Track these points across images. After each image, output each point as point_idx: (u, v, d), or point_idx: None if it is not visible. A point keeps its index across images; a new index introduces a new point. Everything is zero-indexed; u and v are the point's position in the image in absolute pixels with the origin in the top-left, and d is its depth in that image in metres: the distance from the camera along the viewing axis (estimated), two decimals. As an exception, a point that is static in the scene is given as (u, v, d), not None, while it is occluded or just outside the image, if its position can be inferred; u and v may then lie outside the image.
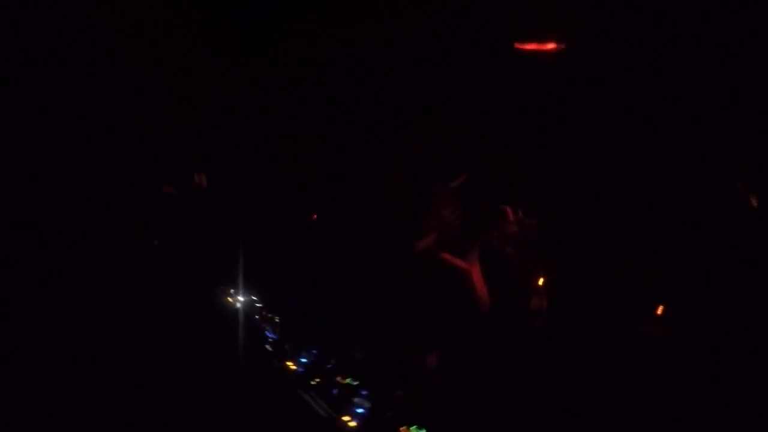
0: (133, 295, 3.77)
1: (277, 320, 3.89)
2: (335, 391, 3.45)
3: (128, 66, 4.09)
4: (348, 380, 3.46)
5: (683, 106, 3.11)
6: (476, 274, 3.31)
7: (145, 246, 4.07)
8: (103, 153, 4.05)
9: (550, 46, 3.47)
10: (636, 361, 2.90)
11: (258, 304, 3.98)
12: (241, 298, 3.97)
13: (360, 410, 3.29)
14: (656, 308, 3.05)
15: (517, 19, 3.43)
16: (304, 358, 3.66)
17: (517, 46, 3.47)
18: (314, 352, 3.66)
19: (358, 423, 3.29)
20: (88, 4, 4.00)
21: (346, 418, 3.31)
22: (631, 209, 3.17)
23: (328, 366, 3.56)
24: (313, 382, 3.54)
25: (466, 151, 3.61)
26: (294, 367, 3.67)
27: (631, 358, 2.93)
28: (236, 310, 3.95)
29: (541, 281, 3.22)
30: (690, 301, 2.96)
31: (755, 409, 2.58)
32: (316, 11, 3.93)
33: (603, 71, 3.30)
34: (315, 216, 4.00)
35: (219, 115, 4.24)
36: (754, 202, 2.92)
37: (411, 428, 3.14)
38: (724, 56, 3.07)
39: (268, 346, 3.87)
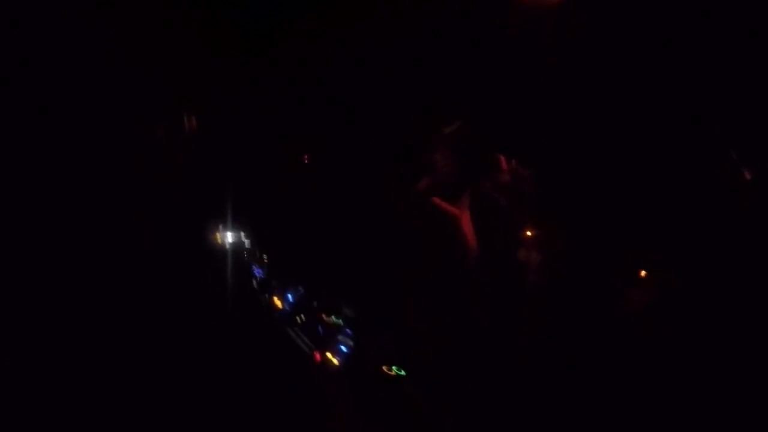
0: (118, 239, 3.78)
1: (265, 258, 3.91)
2: (320, 329, 3.50)
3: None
4: (333, 318, 3.49)
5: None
6: (466, 220, 3.32)
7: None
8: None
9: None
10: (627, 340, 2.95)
11: (246, 241, 3.98)
12: (229, 235, 3.97)
13: (343, 348, 3.34)
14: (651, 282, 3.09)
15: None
16: (290, 295, 3.69)
17: None
18: (301, 290, 3.68)
19: (340, 361, 3.34)
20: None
21: (329, 355, 3.36)
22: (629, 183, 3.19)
23: (314, 304, 3.60)
24: (298, 319, 3.58)
25: (459, 97, 3.59)
26: (280, 304, 3.70)
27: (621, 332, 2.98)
28: (224, 247, 3.95)
29: (530, 233, 3.24)
30: (689, 294, 2.99)
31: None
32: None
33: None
34: (306, 157, 3.99)
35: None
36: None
37: (393, 367, 3.20)
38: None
39: (254, 283, 3.89)
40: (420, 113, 3.64)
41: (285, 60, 4.16)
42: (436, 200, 3.32)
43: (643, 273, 3.12)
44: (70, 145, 3.99)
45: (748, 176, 2.99)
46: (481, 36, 3.53)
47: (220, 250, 4.04)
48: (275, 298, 3.69)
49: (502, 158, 3.39)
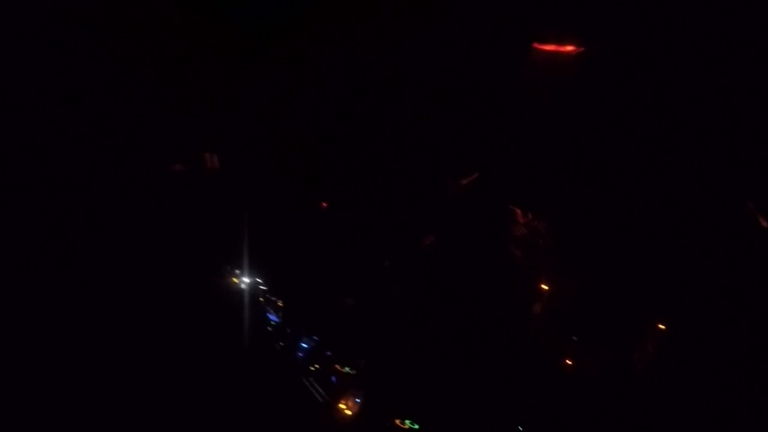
0: (140, 274, 3.82)
1: (280, 304, 3.93)
2: (333, 379, 3.50)
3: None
4: (346, 369, 3.49)
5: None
6: None
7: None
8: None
9: (568, 48, 3.46)
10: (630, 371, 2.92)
11: (262, 287, 4.01)
12: (246, 280, 4.00)
13: (357, 400, 3.34)
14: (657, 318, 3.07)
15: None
16: (305, 343, 3.70)
17: (536, 46, 3.46)
18: (315, 338, 3.69)
19: (353, 411, 3.33)
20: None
21: (342, 406, 3.36)
22: (638, 220, 3.18)
23: (328, 353, 3.60)
24: (312, 368, 3.58)
25: (479, 150, 3.61)
26: (294, 352, 3.71)
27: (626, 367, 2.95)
28: (241, 291, 3.98)
29: (544, 287, 3.23)
30: (691, 312, 2.97)
31: (753, 411, 2.61)
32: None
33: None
34: (324, 204, 4.02)
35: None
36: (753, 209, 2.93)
37: (405, 421, 3.18)
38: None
39: (269, 329, 3.91)
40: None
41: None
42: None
43: (657, 327, 3.10)
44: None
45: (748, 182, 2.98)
46: (501, 89, 3.55)
47: (237, 291, 4.07)
48: (289, 347, 3.71)
49: (518, 211, 3.41)
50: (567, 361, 3.09)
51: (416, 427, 3.17)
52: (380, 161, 3.77)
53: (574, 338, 3.10)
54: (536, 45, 3.44)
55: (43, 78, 4.00)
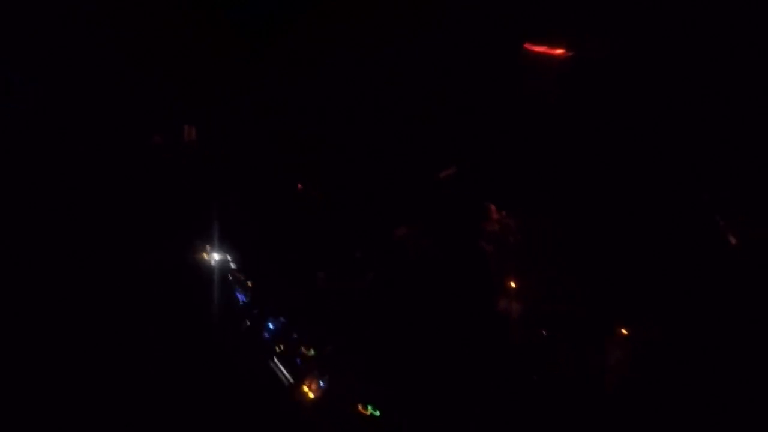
0: (113, 250, 3.78)
1: (249, 284, 3.91)
2: (298, 361, 3.51)
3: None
4: (311, 352, 3.51)
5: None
6: None
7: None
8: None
9: (558, 50, 3.49)
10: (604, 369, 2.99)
11: (232, 265, 3.99)
12: (216, 257, 3.97)
13: (320, 383, 3.36)
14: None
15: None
16: (271, 324, 3.70)
17: (527, 47, 3.49)
18: (282, 320, 3.70)
19: (316, 395, 3.36)
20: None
21: (305, 389, 3.38)
22: (620, 220, 3.24)
23: (294, 336, 3.61)
24: (277, 349, 3.59)
25: (457, 144, 3.64)
26: (260, 332, 3.71)
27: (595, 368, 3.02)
28: (211, 268, 3.96)
29: (513, 284, 3.28)
30: (665, 311, 3.05)
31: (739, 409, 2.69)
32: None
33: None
34: (300, 186, 4.01)
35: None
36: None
37: (368, 407, 3.22)
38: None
39: (237, 308, 3.89)
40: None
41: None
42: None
43: (623, 330, 3.17)
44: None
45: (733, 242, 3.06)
46: (482, 87, 3.58)
47: (206, 267, 4.05)
48: (256, 326, 3.70)
49: (492, 207, 3.44)
50: (535, 356, 3.15)
51: (377, 413, 3.21)
52: (363, 154, 3.78)
53: (543, 334, 3.16)
54: (526, 45, 3.46)
55: (43, 78, 3.95)
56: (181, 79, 4.17)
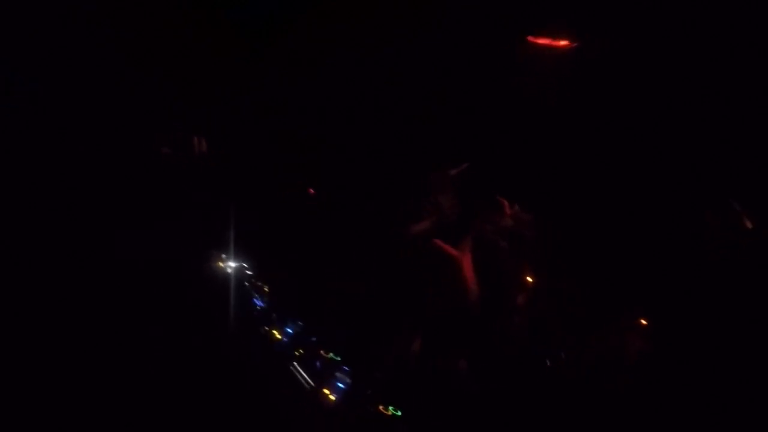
0: (126, 256, 3.81)
1: (266, 289, 3.93)
2: (318, 364, 3.52)
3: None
4: (331, 355, 3.52)
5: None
6: (467, 263, 3.34)
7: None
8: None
9: (562, 42, 3.48)
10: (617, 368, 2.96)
11: (248, 271, 4.01)
12: (232, 264, 4.00)
13: (340, 385, 3.37)
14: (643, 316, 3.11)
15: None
16: (289, 328, 3.72)
17: (530, 39, 3.48)
18: (300, 323, 3.71)
19: (337, 398, 3.36)
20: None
21: (326, 392, 3.39)
22: (628, 216, 3.22)
23: (313, 339, 3.62)
24: (296, 353, 3.60)
25: (468, 141, 3.64)
26: (279, 336, 3.73)
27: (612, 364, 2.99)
28: (227, 275, 3.99)
29: (528, 279, 3.27)
30: (680, 306, 3.02)
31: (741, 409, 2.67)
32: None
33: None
34: (312, 191, 4.02)
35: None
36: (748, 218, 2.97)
37: (389, 408, 3.22)
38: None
39: (255, 313, 3.92)
40: (427, 154, 3.68)
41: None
42: (438, 242, 3.34)
43: (642, 322, 3.14)
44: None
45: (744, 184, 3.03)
46: (492, 83, 3.58)
47: (222, 275, 4.07)
48: (274, 331, 3.72)
49: (505, 202, 3.43)
50: (550, 353, 3.13)
51: (399, 413, 3.21)
52: (374, 152, 3.79)
53: (559, 331, 3.14)
54: (530, 39, 3.45)
55: (43, 78, 3.98)
56: (181, 79, 4.19)
